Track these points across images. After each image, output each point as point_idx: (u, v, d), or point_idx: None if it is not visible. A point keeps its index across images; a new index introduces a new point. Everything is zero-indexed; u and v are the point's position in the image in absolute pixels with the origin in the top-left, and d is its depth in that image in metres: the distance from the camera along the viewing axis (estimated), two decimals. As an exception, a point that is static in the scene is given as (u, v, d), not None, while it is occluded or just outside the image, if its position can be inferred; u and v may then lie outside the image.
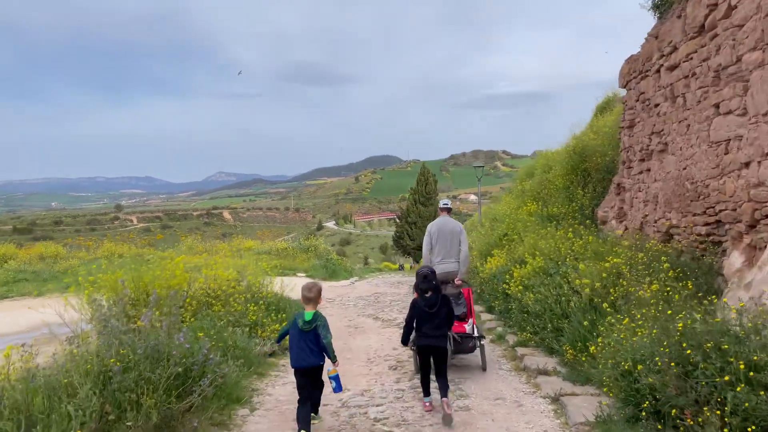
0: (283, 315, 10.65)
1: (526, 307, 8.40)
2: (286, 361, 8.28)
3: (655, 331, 4.56)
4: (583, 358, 6.26)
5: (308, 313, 5.22)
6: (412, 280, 25.09)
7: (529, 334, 8.11)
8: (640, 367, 4.53)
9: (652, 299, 5.72)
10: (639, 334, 4.94)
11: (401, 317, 11.74)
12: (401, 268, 54.67)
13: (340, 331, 10.63)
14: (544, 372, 6.72)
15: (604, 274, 6.93)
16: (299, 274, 23.56)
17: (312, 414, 5.40)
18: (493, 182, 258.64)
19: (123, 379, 4.66)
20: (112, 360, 4.71)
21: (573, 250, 8.96)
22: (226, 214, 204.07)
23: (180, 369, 4.93)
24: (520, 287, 8.74)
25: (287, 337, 5.47)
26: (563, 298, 7.58)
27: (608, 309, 6.34)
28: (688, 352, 4.07)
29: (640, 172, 9.99)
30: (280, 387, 6.92)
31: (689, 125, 7.90)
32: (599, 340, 5.87)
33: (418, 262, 56.14)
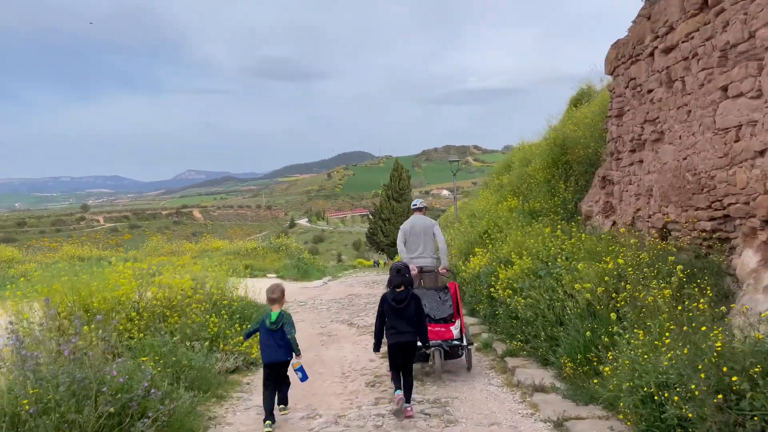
0: (248, 325, 9.84)
1: (515, 312, 7.67)
2: (251, 378, 7.44)
3: (686, 350, 3.81)
4: (586, 372, 5.54)
5: (274, 313, 5.76)
6: (383, 278, 24.32)
7: (519, 343, 7.37)
8: (666, 393, 3.80)
9: (665, 307, 4.99)
10: (662, 350, 4.19)
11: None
12: (376, 264, 53.92)
13: (311, 340, 9.79)
14: (541, 389, 5.97)
15: (606, 277, 6.20)
16: (270, 275, 22.63)
17: (281, 406, 5.86)
18: (465, 177, 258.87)
19: (39, 424, 3.77)
20: (24, 401, 3.81)
21: (563, 249, 8.25)
22: (196, 213, 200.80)
23: (113, 408, 4.04)
24: (508, 291, 7.99)
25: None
26: (557, 303, 6.85)
27: (613, 317, 5.62)
28: (734, 378, 3.33)
29: (631, 164, 9.33)
30: (242, 413, 6.05)
31: (690, 111, 7.22)
32: (609, 355, 5.12)
33: (392, 258, 55.46)
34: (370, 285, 18.83)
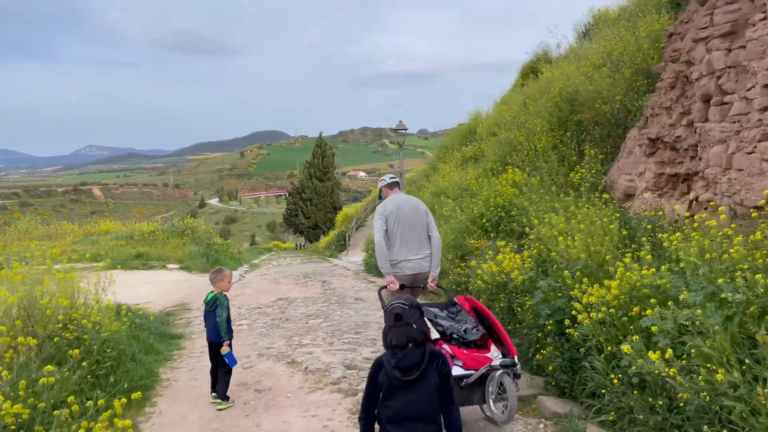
0: (119, 380, 5.71)
1: (657, 390, 3.84)
2: None
3: None
4: None
5: (209, 294, 5.78)
6: (319, 268, 20.21)
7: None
8: None
9: None
10: None
11: (335, 357, 6.92)
12: (298, 247, 49.55)
13: (231, 395, 5.69)
14: None
15: None
16: (170, 266, 17.98)
17: (213, 394, 5.61)
18: (381, 159, 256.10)
19: None
20: None
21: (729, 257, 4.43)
22: (96, 191, 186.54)
23: None
24: (637, 340, 4.00)
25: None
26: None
27: None
28: None
29: (765, 109, 5.75)
30: None
31: None
32: None
33: (312, 241, 51.06)
34: (301, 282, 14.65)
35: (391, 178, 6.23)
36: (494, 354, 4.64)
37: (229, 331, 5.66)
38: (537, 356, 5.23)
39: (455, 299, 5.31)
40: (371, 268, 15.83)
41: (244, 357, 7.16)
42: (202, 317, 6.01)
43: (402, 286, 5.57)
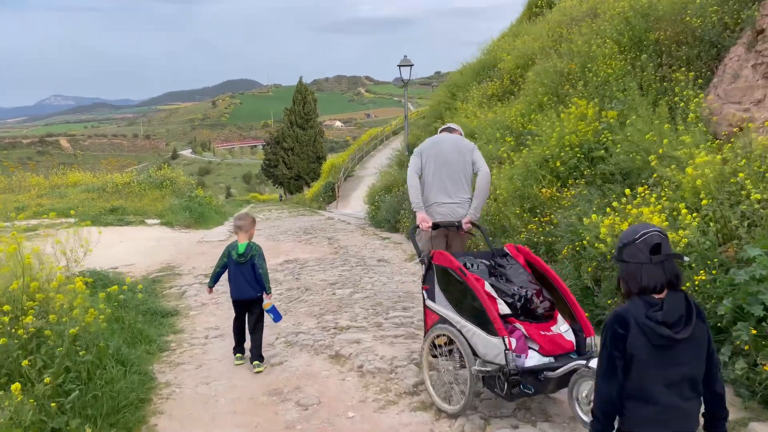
0: (100, 396, 3.90)
1: None
2: None
3: None
4: None
5: (241, 244, 5.00)
6: (315, 222, 18.10)
7: None
8: None
9: None
10: None
11: (396, 349, 5.13)
12: (282, 198, 47.47)
13: (260, 405, 3.91)
14: None
15: None
16: (150, 221, 15.99)
17: (255, 363, 4.91)
18: (356, 108, 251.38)
19: None
20: None
21: None
22: (64, 142, 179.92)
23: None
24: None
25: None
26: None
27: None
28: None
29: None
30: None
31: None
32: None
33: (293, 193, 48.96)
34: (304, 240, 12.79)
35: (446, 126, 5.45)
36: (562, 328, 3.69)
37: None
38: (741, 368, 3.50)
39: (505, 248, 4.24)
40: (380, 222, 14.02)
41: (267, 345, 5.37)
42: (206, 283, 5.60)
43: (435, 226, 4.85)
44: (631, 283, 2.14)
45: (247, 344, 5.15)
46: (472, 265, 4.02)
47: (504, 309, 3.66)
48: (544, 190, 6.81)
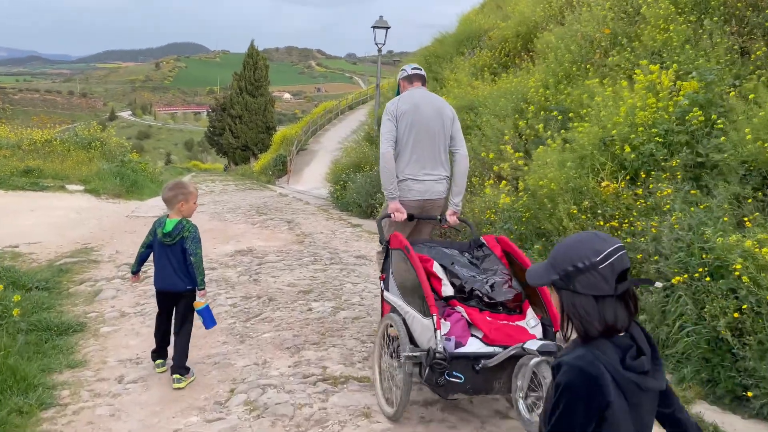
0: None
1: None
2: None
3: None
4: None
5: (170, 221, 3.82)
6: (266, 199, 15.74)
7: None
8: None
9: None
10: None
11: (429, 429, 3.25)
12: (227, 169, 44.60)
13: None
14: None
15: None
16: (71, 187, 13.50)
17: (175, 376, 3.73)
18: (306, 81, 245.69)
19: None
20: None
21: None
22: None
23: None
24: None
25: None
26: None
27: None
28: None
29: None
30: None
31: None
32: None
33: (237, 164, 46.07)
34: (258, 222, 10.67)
35: (413, 68, 4.48)
36: (531, 323, 3.25)
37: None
38: None
39: (482, 239, 3.88)
40: (348, 205, 12.05)
41: (217, 405, 3.38)
42: (129, 270, 4.48)
43: (411, 217, 4.15)
44: (590, 323, 1.48)
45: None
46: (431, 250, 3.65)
47: (447, 291, 3.33)
48: (605, 183, 5.01)
